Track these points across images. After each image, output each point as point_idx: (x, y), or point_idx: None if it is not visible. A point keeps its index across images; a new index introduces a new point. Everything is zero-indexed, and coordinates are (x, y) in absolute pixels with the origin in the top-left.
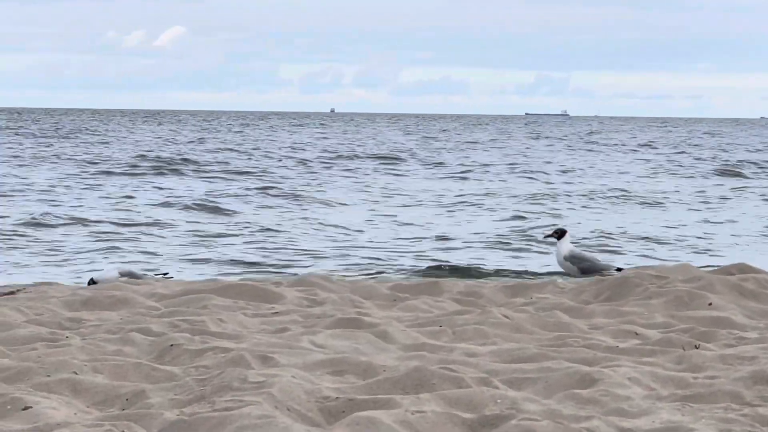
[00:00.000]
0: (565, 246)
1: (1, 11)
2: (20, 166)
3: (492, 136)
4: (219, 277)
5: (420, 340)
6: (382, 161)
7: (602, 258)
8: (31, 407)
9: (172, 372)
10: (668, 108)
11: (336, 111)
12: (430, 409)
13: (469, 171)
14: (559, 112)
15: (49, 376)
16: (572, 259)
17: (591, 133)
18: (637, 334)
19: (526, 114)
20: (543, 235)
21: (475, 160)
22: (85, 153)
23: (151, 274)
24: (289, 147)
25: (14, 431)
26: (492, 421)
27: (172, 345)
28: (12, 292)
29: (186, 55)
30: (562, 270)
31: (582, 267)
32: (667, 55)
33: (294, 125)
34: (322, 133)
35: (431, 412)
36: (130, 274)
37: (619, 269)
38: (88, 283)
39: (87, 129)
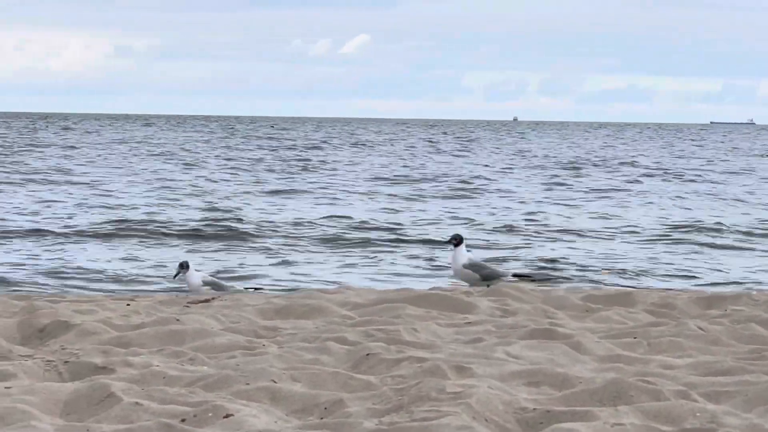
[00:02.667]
0: (463, 253)
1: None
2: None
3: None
4: (411, 287)
5: (615, 352)
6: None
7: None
8: (232, 415)
9: (368, 381)
10: None
11: (519, 119)
12: (629, 421)
13: None
14: (746, 121)
15: (248, 384)
16: (472, 266)
17: None
18: None
19: (711, 123)
20: (442, 242)
21: None
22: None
23: (237, 286)
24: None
25: None
26: None
27: (368, 354)
28: (207, 300)
29: (371, 63)
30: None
31: (483, 274)
32: None
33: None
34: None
35: (630, 425)
36: (213, 284)
37: (515, 275)
38: (177, 274)
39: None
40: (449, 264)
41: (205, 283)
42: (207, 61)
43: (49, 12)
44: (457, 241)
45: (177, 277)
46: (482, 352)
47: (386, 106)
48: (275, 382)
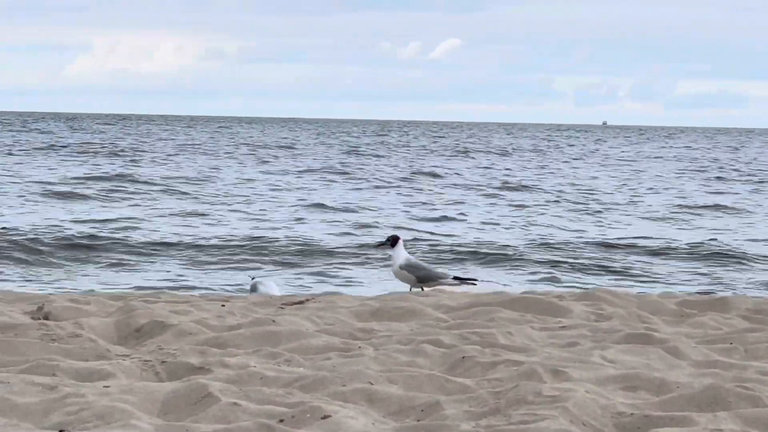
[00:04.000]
0: (401, 254)
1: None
2: None
3: None
4: (507, 290)
5: (712, 357)
6: None
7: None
8: (330, 416)
9: (465, 384)
10: None
11: (608, 124)
12: (727, 427)
13: None
14: None
15: (344, 385)
16: (408, 267)
17: None
18: None
19: None
20: (375, 243)
21: None
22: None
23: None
24: None
25: None
26: None
27: (463, 357)
28: (301, 302)
29: (461, 66)
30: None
31: (419, 276)
32: None
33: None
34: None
35: (729, 431)
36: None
37: (456, 278)
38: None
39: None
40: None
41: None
42: (297, 64)
43: (142, 14)
44: (393, 241)
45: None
46: (578, 356)
47: (476, 110)
48: (372, 383)
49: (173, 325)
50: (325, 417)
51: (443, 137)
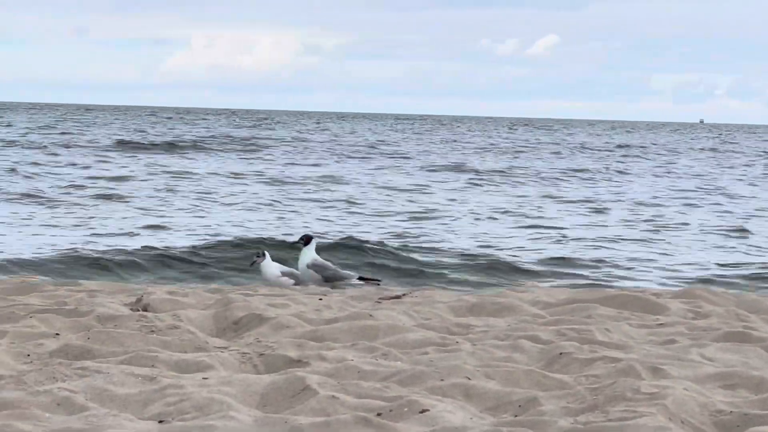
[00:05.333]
0: (310, 253)
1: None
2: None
3: None
4: (601, 287)
5: None
6: None
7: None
8: (428, 410)
9: (562, 380)
10: None
11: (705, 122)
12: None
13: None
14: None
15: (442, 380)
16: (315, 267)
17: None
18: None
19: None
20: (291, 242)
21: None
22: None
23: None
24: None
25: None
26: None
27: (561, 353)
28: (398, 296)
29: (558, 63)
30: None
31: (325, 275)
32: None
33: None
34: None
35: None
36: (292, 275)
37: (360, 278)
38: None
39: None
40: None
41: (284, 274)
42: (394, 60)
43: (240, 10)
44: (305, 240)
45: (253, 266)
46: (676, 353)
47: (572, 107)
48: (469, 378)
49: (271, 318)
50: (422, 411)
51: (571, 134)
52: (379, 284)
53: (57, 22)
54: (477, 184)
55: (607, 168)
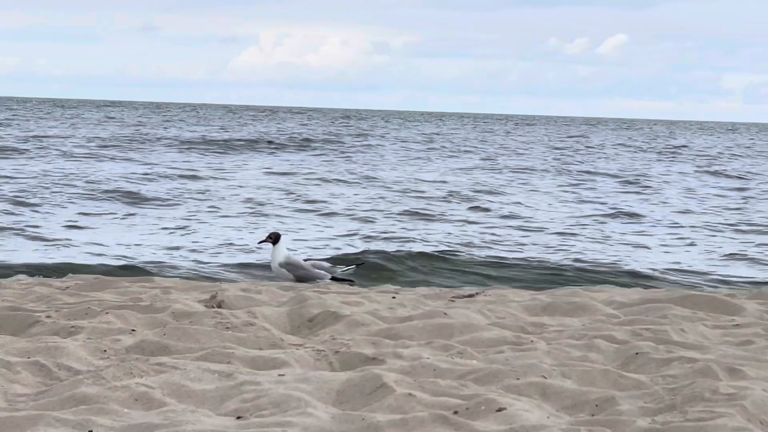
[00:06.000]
0: (281, 252)
1: (447, 18)
2: None
3: None
4: (678, 288)
5: None
6: None
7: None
8: (504, 408)
9: (639, 380)
10: None
11: None
12: None
13: None
14: None
15: (518, 379)
16: (287, 266)
17: None
18: None
19: None
20: (257, 241)
21: None
22: None
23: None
24: None
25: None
26: None
27: (637, 353)
28: (471, 295)
29: (627, 63)
30: None
31: (298, 275)
32: None
33: None
34: None
35: None
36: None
37: (333, 278)
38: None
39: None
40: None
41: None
42: (463, 59)
43: (308, 8)
44: (274, 238)
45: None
46: (753, 354)
47: (641, 106)
48: (545, 377)
49: (346, 315)
50: (499, 410)
51: (654, 136)
52: (352, 284)
53: (126, 19)
54: None
55: None
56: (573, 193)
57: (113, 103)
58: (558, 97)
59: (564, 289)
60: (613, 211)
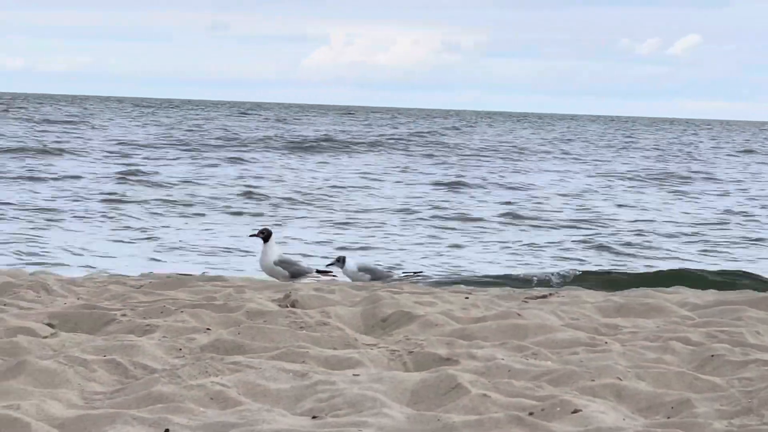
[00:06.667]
0: (274, 249)
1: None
2: None
3: None
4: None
5: None
6: None
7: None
8: (580, 410)
9: (715, 382)
10: None
11: None
12: None
13: None
14: None
15: (593, 380)
16: (282, 263)
17: None
18: None
19: None
20: (248, 235)
21: None
22: None
23: (399, 272)
24: None
25: None
26: None
27: (712, 355)
28: (544, 296)
29: (700, 63)
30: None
31: (292, 271)
32: None
33: None
34: None
35: None
36: (368, 270)
37: (318, 271)
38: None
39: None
40: (258, 259)
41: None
42: (533, 59)
43: (378, 7)
44: (265, 235)
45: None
46: None
47: (714, 107)
48: (620, 379)
49: (419, 315)
50: (575, 411)
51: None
52: (335, 277)
53: (196, 18)
54: None
55: None
56: None
57: (189, 102)
58: (628, 98)
59: (637, 290)
60: None
